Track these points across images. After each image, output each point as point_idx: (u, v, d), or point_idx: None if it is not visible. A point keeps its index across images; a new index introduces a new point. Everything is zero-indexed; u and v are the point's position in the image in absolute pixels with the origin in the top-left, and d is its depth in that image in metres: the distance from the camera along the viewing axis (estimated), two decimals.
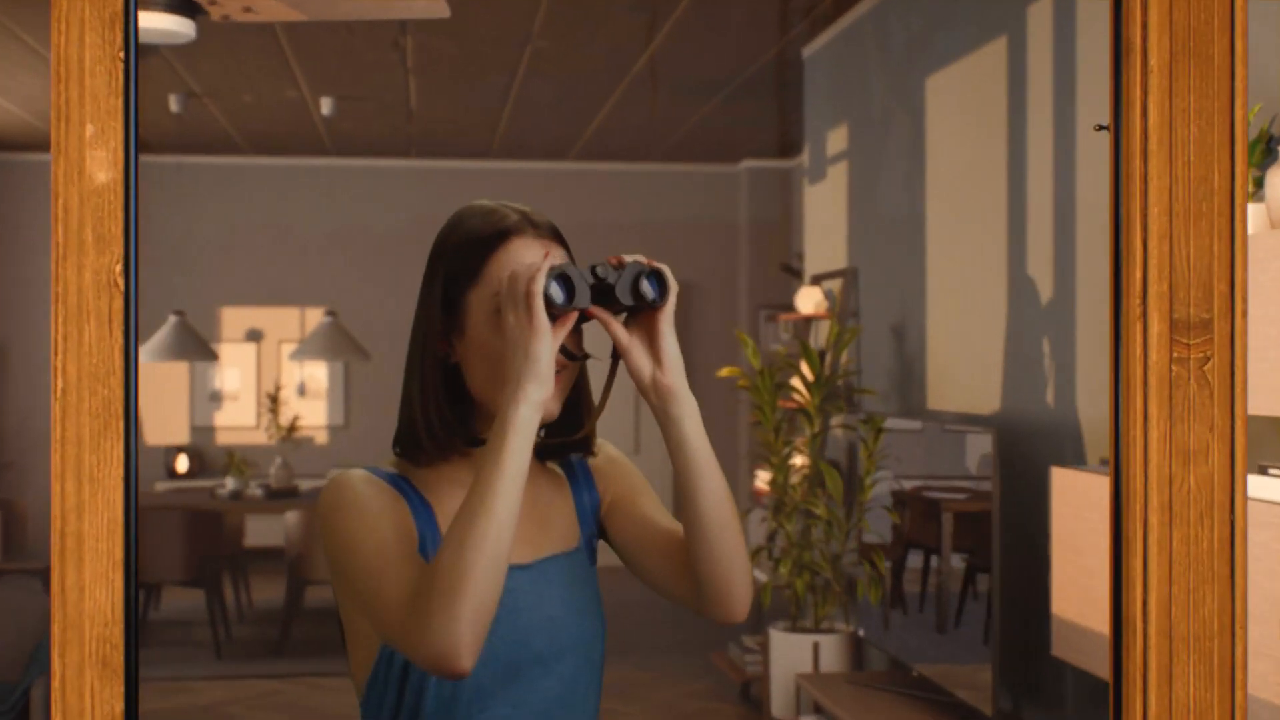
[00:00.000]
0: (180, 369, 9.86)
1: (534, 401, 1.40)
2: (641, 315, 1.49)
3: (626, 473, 1.71)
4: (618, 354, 1.50)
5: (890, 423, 4.82)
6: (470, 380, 1.54)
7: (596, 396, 1.60)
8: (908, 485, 4.69)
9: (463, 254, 1.53)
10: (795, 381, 5.66)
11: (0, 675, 4.45)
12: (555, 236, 1.56)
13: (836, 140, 5.96)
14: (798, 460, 5.47)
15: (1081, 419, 3.75)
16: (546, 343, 1.40)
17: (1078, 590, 3.18)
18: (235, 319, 9.94)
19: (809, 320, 6.21)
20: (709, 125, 8.27)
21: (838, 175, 5.94)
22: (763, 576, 5.64)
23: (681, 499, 1.52)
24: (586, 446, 1.64)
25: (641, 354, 1.48)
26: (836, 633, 5.19)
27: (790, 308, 10.11)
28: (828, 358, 5.40)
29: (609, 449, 1.72)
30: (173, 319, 7.53)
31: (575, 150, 9.32)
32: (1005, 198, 4.23)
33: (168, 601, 8.10)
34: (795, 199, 9.57)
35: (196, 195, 9.77)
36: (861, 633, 5.06)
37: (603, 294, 1.45)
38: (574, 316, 1.45)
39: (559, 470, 1.68)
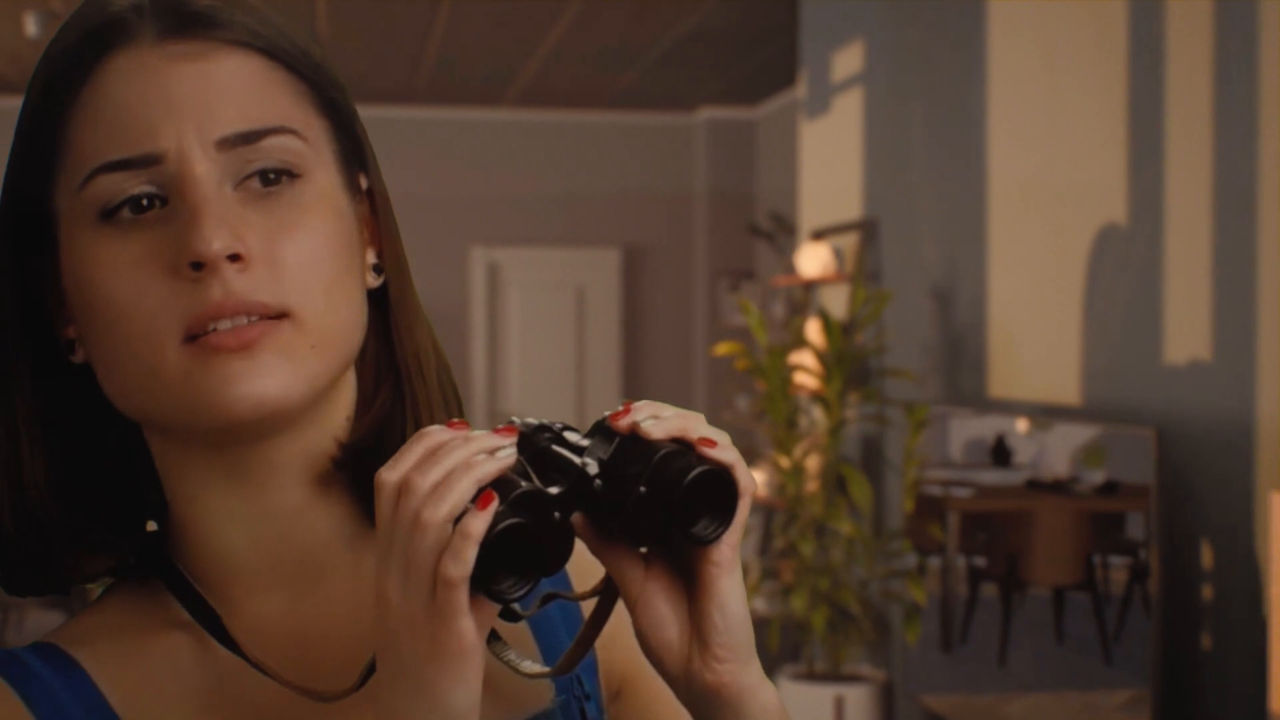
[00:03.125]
0: None
1: None
2: (675, 544, 0.69)
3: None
4: (613, 593, 0.73)
5: (940, 410, 3.74)
6: (102, 379, 0.73)
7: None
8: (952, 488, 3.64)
9: (28, 116, 0.73)
10: (801, 359, 4.56)
11: None
12: (247, 43, 0.73)
13: (846, 62, 4.84)
14: (808, 462, 4.37)
15: (1261, 426, 2.67)
16: (471, 674, 0.64)
17: None
18: None
19: (809, 286, 5.10)
20: (663, 66, 7.15)
21: (847, 105, 4.82)
22: (763, 606, 4.54)
23: None
24: None
25: (667, 617, 0.69)
26: (865, 682, 4.11)
27: (752, 275, 9.03)
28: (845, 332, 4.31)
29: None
30: None
31: (512, 94, 8.17)
32: (1124, 121, 3.14)
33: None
34: (762, 152, 8.50)
35: None
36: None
37: (598, 504, 0.66)
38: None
39: None
